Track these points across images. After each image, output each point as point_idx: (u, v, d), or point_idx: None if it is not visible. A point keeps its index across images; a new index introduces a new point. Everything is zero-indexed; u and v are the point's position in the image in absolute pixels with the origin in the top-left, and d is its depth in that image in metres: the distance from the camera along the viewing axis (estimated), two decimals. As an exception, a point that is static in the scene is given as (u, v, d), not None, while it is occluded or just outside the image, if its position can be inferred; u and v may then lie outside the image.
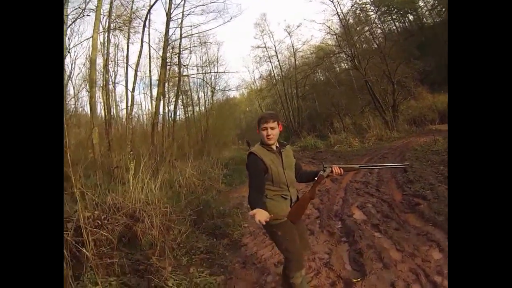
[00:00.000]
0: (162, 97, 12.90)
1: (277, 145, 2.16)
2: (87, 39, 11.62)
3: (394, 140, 12.99)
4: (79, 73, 14.64)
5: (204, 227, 4.39)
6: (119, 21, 11.59)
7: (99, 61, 13.23)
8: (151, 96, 13.09)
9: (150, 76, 13.77)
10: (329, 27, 18.41)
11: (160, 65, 9.63)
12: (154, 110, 9.38)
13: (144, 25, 9.08)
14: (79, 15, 9.86)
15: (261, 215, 1.69)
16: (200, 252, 3.58)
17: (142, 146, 8.15)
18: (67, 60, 12.13)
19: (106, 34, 10.44)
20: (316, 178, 2.12)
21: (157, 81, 9.64)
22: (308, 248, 2.44)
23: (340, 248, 3.22)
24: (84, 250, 2.98)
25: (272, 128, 2.04)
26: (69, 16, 9.89)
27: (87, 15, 9.54)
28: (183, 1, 10.98)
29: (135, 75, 9.25)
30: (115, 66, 17.07)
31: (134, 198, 4.32)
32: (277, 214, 2.00)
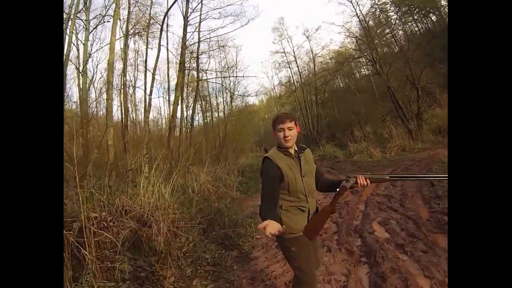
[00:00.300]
0: (180, 101, 13.05)
1: (296, 148, 1.95)
2: (107, 44, 11.84)
3: (418, 151, 12.20)
4: (101, 78, 14.92)
5: (214, 236, 4.18)
6: (138, 27, 11.90)
7: (120, 65, 13.65)
8: (169, 100, 13.18)
9: (168, 80, 13.92)
10: (348, 30, 17.70)
11: (179, 70, 9.58)
12: (171, 114, 9.26)
13: (162, 30, 9.14)
14: (99, 22, 10.13)
15: (272, 227, 1.46)
16: (207, 264, 3.37)
17: (157, 150, 8.10)
18: (89, 65, 12.32)
19: (127, 40, 10.59)
20: (337, 189, 1.87)
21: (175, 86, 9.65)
22: (319, 265, 2.27)
23: (360, 270, 2.88)
24: (84, 252, 2.84)
25: (289, 129, 1.84)
26: (91, 23, 10.24)
27: (108, 21, 9.79)
28: (200, 5, 11.06)
29: (153, 78, 9.32)
30: (135, 71, 17.52)
31: (144, 202, 4.19)
32: (292, 228, 1.82)
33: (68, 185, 4.21)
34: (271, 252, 3.70)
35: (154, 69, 9.12)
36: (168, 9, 9.21)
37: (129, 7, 10.86)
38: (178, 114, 13.26)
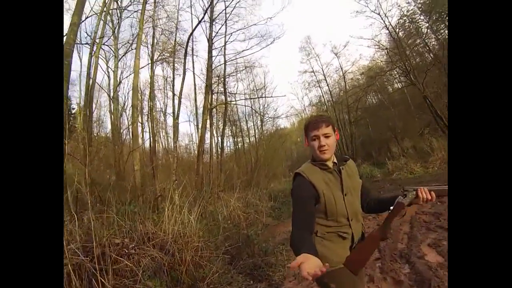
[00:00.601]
0: (209, 126, 13.15)
1: (335, 160, 1.58)
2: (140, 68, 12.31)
3: (465, 162, 11.06)
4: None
5: (241, 266, 3.83)
6: (164, 54, 12.38)
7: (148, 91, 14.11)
8: (196, 125, 13.33)
9: (195, 104, 14.13)
10: (378, 42, 17.10)
11: (205, 92, 9.67)
12: (199, 138, 9.24)
13: (186, 53, 9.32)
14: (128, 49, 10.65)
15: (310, 265, 1.09)
16: (233, 297, 3.03)
17: (186, 176, 8.04)
18: (120, 93, 12.88)
19: (153, 66, 11.01)
20: (391, 208, 1.45)
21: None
22: None
23: (412, 303, 2.40)
24: (102, 279, 2.72)
25: (326, 136, 1.48)
26: (120, 51, 10.81)
27: (135, 49, 10.21)
28: (224, 27, 11.26)
29: (179, 102, 9.43)
30: (164, 97, 18.14)
31: (167, 229, 3.99)
32: (331, 259, 1.42)
33: (93, 210, 4.16)
34: (304, 283, 3.27)
35: (180, 93, 9.26)
36: (191, 33, 9.43)
37: (153, 33, 11.33)
38: (208, 139, 13.38)
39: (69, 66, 4.37)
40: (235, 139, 21.62)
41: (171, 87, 13.49)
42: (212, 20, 10.49)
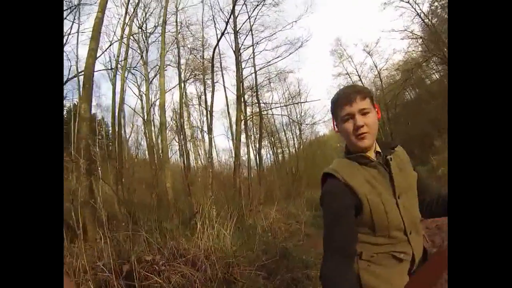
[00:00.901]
0: (246, 138, 13.15)
1: (378, 149, 1.12)
2: (168, 90, 12.76)
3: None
4: (168, 125, 15.99)
5: (279, 281, 3.47)
6: (195, 72, 12.74)
7: (185, 111, 14.54)
8: (232, 139, 13.32)
9: (229, 117, 14.19)
10: (411, 32, 15.87)
11: (237, 103, 9.71)
12: (234, 152, 9.16)
13: (213, 66, 9.33)
14: (157, 72, 11.01)
15: None
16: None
17: (222, 191, 7.98)
18: (155, 115, 13.39)
19: (181, 84, 11.32)
20: None
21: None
22: None
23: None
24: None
25: (363, 113, 1.03)
26: (151, 74, 11.28)
27: (165, 70, 10.61)
28: (250, 37, 11.26)
29: (210, 117, 9.47)
30: (201, 114, 18.51)
31: (199, 244, 3.82)
32: None
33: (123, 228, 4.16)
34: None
35: (211, 107, 9.28)
36: (215, 46, 9.42)
37: (178, 53, 11.65)
38: (245, 152, 13.31)
39: (90, 89, 4.59)
40: (275, 150, 21.35)
41: (204, 103, 13.81)
42: (236, 32, 10.53)
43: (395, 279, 1.04)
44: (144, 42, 11.98)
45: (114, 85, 9.87)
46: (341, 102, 1.06)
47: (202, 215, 4.45)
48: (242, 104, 10.42)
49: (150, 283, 2.99)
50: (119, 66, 10.32)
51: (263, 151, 16.84)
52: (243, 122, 10.53)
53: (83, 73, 5.71)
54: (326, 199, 1.07)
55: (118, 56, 10.27)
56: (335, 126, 1.14)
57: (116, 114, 9.54)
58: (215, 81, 9.64)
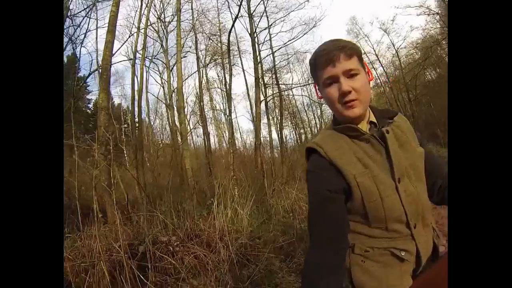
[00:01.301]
0: (267, 119, 13.09)
1: (372, 119, 0.93)
2: (188, 77, 12.90)
3: None
4: (191, 111, 16.28)
5: (296, 264, 3.34)
6: (216, 57, 12.78)
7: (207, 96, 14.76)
8: (252, 120, 13.30)
9: (249, 99, 14.13)
10: (427, 8, 14.85)
11: (255, 85, 9.67)
12: (255, 132, 9.12)
13: (229, 49, 9.31)
14: (177, 60, 11.17)
15: None
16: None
17: (244, 171, 7.96)
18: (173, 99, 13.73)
19: (200, 70, 11.38)
20: None
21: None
22: None
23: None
24: (141, 276, 2.72)
25: (349, 75, 0.83)
26: (172, 62, 11.35)
27: (185, 57, 10.73)
28: (265, 19, 11.07)
29: (229, 99, 9.44)
30: (223, 98, 18.61)
31: (214, 225, 3.81)
32: None
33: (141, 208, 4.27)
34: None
35: (229, 90, 9.26)
36: (230, 30, 9.51)
37: (195, 39, 11.63)
38: (267, 133, 13.29)
39: (108, 79, 4.83)
40: (298, 130, 21.21)
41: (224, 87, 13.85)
42: (250, 15, 10.39)
43: (393, 281, 0.86)
44: (163, 31, 12.09)
45: (134, 73, 10.13)
46: (321, 62, 0.85)
47: (219, 196, 4.44)
48: (262, 85, 10.27)
49: (164, 264, 3.03)
50: (139, 55, 10.54)
51: (285, 132, 16.69)
52: (263, 103, 10.41)
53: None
54: (310, 180, 0.89)
55: (135, 47, 10.46)
56: (317, 91, 0.93)
57: (136, 101, 9.79)
58: (234, 64, 9.53)
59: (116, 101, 21.33)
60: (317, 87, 0.93)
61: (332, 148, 0.87)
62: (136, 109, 9.88)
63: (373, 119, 0.92)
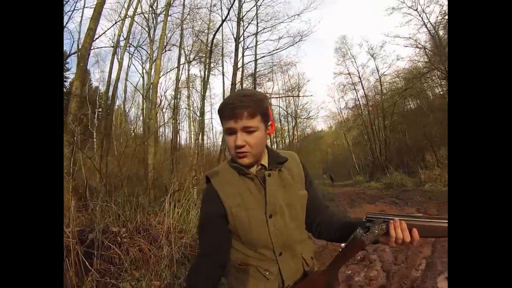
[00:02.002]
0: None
1: (264, 162, 1.08)
2: (168, 71, 12.95)
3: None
4: (168, 104, 16.21)
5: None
6: (201, 55, 12.84)
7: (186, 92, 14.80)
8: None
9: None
10: (415, 41, 15.91)
11: (230, 90, 9.83)
12: (222, 137, 9.40)
13: (211, 52, 9.50)
14: (162, 51, 11.15)
15: None
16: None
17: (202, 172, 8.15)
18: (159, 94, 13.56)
19: (180, 67, 11.49)
20: (343, 246, 0.93)
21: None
22: None
23: None
24: (86, 262, 2.85)
25: (248, 131, 0.97)
26: (155, 53, 11.31)
27: (169, 50, 10.78)
28: (253, 26, 11.29)
29: (203, 99, 9.66)
30: (201, 97, 18.61)
31: (165, 222, 4.07)
32: None
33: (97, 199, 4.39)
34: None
35: (204, 91, 9.49)
36: (216, 32, 9.64)
37: (181, 35, 11.71)
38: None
39: (84, 68, 4.79)
40: (273, 140, 21.47)
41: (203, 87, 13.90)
42: (239, 20, 10.60)
43: None
44: (153, 20, 12.04)
45: (112, 63, 10.05)
46: (225, 115, 0.98)
47: (174, 194, 4.66)
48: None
49: (110, 253, 3.18)
50: (123, 43, 10.46)
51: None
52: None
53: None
54: (201, 203, 1.13)
55: (119, 36, 10.39)
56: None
57: (111, 89, 9.71)
58: (213, 66, 9.71)
59: (94, 84, 20.73)
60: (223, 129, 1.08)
61: (219, 181, 1.07)
62: (111, 95, 9.80)
63: (265, 162, 1.08)
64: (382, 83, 21.51)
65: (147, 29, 12.04)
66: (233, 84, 9.69)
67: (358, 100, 23.85)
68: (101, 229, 3.32)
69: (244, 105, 0.95)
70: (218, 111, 1.03)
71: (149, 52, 11.64)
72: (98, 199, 4.27)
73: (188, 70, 14.99)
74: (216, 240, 1.04)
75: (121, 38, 11.17)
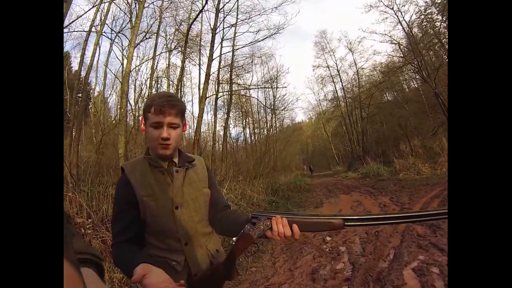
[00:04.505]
0: (214, 115, 13.21)
1: (175, 159, 1.22)
2: (150, 58, 12.65)
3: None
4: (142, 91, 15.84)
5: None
6: (182, 44, 12.59)
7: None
8: (200, 115, 13.28)
9: (199, 93, 14.17)
10: (391, 37, 16.45)
11: (204, 81, 9.70)
12: (195, 127, 9.26)
13: (186, 42, 9.31)
14: (142, 39, 10.85)
15: (158, 279, 0.86)
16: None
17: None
18: (138, 81, 13.20)
19: (155, 56, 11.24)
20: (234, 239, 1.01)
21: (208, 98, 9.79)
22: None
23: None
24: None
25: (172, 127, 1.13)
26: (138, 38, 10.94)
27: (150, 38, 10.52)
28: (230, 18, 11.18)
29: (176, 91, 9.43)
30: (181, 87, 18.27)
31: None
32: None
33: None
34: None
35: (178, 81, 9.28)
36: (192, 23, 9.47)
37: (159, 24, 11.47)
38: (212, 128, 13.33)
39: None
40: (252, 131, 21.36)
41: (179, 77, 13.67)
42: (217, 10, 10.44)
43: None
44: (135, 6, 11.46)
45: (84, 49, 9.62)
46: (155, 110, 1.10)
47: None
48: (216, 82, 10.46)
49: None
50: (99, 28, 10.04)
51: (237, 131, 16.82)
52: (214, 99, 10.59)
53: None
54: (116, 190, 1.18)
55: (94, 20, 9.95)
56: (143, 125, 1.19)
57: (82, 73, 9.33)
58: (188, 57, 9.52)
59: (75, 67, 19.83)
60: (143, 122, 1.18)
61: (133, 171, 1.15)
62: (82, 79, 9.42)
63: (176, 160, 1.21)
64: (360, 76, 22.18)
65: (129, 14, 11.60)
66: (207, 74, 9.54)
67: (336, 92, 24.30)
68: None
69: (172, 104, 1.11)
70: (147, 106, 1.14)
71: (129, 39, 11.30)
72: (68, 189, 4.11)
73: (169, 59, 14.70)
74: (131, 226, 1.09)
75: (100, 23, 10.76)
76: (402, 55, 16.45)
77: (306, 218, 0.96)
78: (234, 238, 1.01)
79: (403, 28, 15.88)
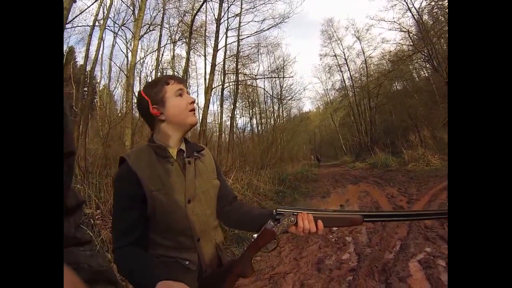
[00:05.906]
0: (220, 106, 13.22)
1: (183, 147, 1.11)
2: (154, 50, 12.66)
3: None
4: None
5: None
6: (186, 35, 12.55)
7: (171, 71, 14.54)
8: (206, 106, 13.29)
9: (205, 83, 14.16)
10: (399, 25, 16.06)
11: (210, 72, 9.66)
12: (201, 118, 9.24)
13: (191, 33, 9.25)
14: (146, 31, 10.85)
15: None
16: None
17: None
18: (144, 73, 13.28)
19: (160, 47, 11.24)
20: (255, 236, 0.98)
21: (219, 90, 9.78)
22: None
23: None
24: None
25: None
26: (142, 31, 10.92)
27: (153, 30, 10.51)
28: (234, 7, 11.04)
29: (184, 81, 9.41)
30: (188, 78, 18.20)
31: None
32: None
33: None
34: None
35: (184, 72, 9.27)
36: (196, 13, 9.39)
37: (162, 16, 11.43)
38: (218, 119, 13.34)
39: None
40: (259, 121, 21.29)
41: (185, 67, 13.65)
42: (221, 1, 10.31)
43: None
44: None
45: (89, 43, 9.61)
46: (174, 80, 1.08)
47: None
48: (221, 72, 10.41)
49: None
50: (102, 22, 10.05)
51: (244, 121, 16.80)
52: (220, 89, 10.58)
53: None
54: (116, 185, 1.03)
55: (97, 14, 9.93)
56: (154, 109, 1.05)
57: (88, 67, 9.38)
58: (193, 47, 9.48)
59: (80, 62, 19.97)
60: (153, 106, 1.05)
61: (138, 160, 1.00)
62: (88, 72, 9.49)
63: (183, 148, 1.10)
64: (368, 65, 21.79)
65: (131, 7, 11.59)
66: (213, 65, 9.49)
67: (344, 81, 23.98)
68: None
69: (183, 79, 1.20)
70: (165, 78, 1.09)
71: (133, 32, 11.32)
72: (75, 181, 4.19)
73: (173, 51, 14.67)
74: (136, 225, 0.96)
75: (103, 17, 10.78)
76: (411, 43, 16.08)
77: (329, 214, 0.99)
78: (255, 235, 0.98)
79: (412, 15, 15.46)
